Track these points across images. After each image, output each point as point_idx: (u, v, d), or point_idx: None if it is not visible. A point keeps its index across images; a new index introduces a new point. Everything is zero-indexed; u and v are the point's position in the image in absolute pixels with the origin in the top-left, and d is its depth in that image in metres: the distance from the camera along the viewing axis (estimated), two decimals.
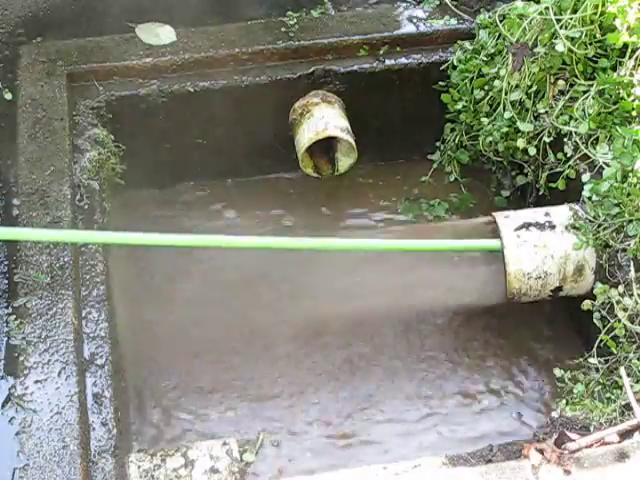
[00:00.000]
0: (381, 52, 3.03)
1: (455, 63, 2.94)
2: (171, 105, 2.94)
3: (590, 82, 2.68)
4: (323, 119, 2.92)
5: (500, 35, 2.85)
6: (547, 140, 2.73)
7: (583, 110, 2.65)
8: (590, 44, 2.67)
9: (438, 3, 3.10)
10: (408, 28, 3.05)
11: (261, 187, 3.18)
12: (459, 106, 2.93)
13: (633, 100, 2.58)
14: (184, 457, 2.18)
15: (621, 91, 2.59)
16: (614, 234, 2.47)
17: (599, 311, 2.45)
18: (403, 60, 3.03)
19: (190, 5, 3.10)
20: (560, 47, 2.65)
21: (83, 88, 2.89)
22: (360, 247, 2.62)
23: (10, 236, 2.39)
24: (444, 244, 2.64)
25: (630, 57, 2.61)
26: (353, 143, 2.94)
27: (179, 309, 2.73)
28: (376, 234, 3.00)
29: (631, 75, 2.59)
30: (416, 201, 3.13)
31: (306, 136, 2.94)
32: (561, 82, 2.74)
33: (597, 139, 2.61)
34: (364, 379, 2.72)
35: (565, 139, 2.69)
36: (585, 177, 2.59)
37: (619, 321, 2.37)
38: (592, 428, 2.16)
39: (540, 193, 2.83)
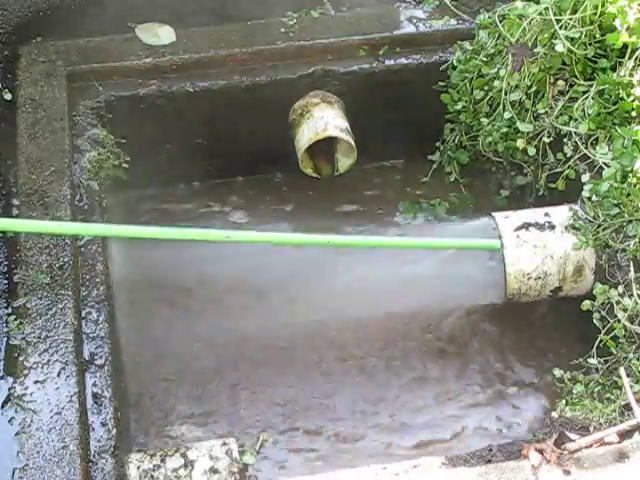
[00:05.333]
0: (381, 52, 3.03)
1: (455, 63, 2.94)
2: (171, 105, 2.94)
3: (590, 82, 2.68)
4: (323, 119, 2.92)
5: (500, 35, 2.85)
6: (547, 140, 2.73)
7: (583, 110, 2.65)
8: (590, 44, 2.67)
9: (438, 3, 3.10)
10: (408, 28, 3.05)
11: (261, 187, 3.18)
12: (459, 106, 2.93)
13: (633, 100, 2.58)
14: (184, 457, 2.18)
15: (621, 91, 2.59)
16: (614, 234, 2.47)
17: (599, 311, 2.45)
18: (403, 60, 3.03)
19: (190, 5, 3.10)
20: (560, 47, 2.65)
21: (83, 88, 2.89)
22: (359, 244, 2.62)
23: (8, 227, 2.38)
24: (444, 242, 2.65)
25: (630, 57, 2.61)
26: (353, 143, 2.94)
27: None
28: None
29: (631, 75, 2.59)
30: (416, 201, 3.13)
31: (306, 136, 2.94)
32: (561, 82, 2.74)
33: (597, 139, 2.61)
34: (366, 377, 2.73)
35: (565, 139, 2.69)
36: (585, 177, 2.59)
37: (619, 321, 2.37)
38: (592, 428, 2.16)
39: (540, 193, 2.83)
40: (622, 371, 2.27)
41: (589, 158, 2.60)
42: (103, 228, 2.52)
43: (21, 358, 2.21)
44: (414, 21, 3.07)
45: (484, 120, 2.86)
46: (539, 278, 2.58)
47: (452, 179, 3.11)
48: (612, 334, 2.38)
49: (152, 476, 2.15)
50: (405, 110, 3.10)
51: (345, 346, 2.79)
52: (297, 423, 2.61)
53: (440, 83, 2.99)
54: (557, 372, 2.54)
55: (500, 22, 2.84)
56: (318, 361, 2.75)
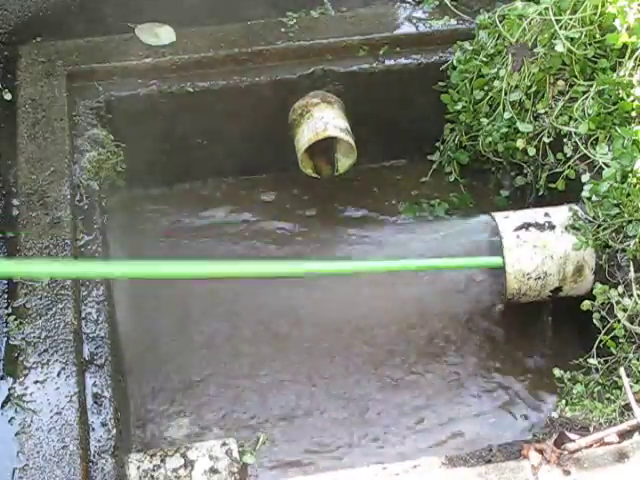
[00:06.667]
0: (381, 52, 3.03)
1: (455, 63, 2.94)
2: (171, 105, 2.94)
3: (590, 82, 2.68)
4: (323, 119, 2.92)
5: (500, 35, 2.85)
6: (547, 140, 2.73)
7: (583, 110, 2.65)
8: (589, 44, 2.68)
9: (438, 3, 3.10)
10: (408, 28, 3.05)
11: (261, 187, 3.18)
12: (459, 106, 2.93)
13: (633, 100, 2.58)
14: (184, 457, 2.18)
15: (620, 91, 2.59)
16: (614, 234, 2.47)
17: (599, 311, 2.45)
18: (403, 60, 3.03)
19: (190, 5, 3.10)
20: (560, 47, 2.65)
21: (83, 88, 2.89)
22: (358, 269, 2.61)
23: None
24: (444, 263, 2.64)
25: (629, 57, 2.61)
26: (353, 143, 2.94)
27: None
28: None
29: (630, 75, 2.60)
30: (416, 201, 3.13)
31: (306, 136, 2.94)
32: (561, 82, 2.74)
33: (597, 139, 2.62)
34: (365, 378, 2.73)
35: (565, 139, 2.69)
36: (585, 177, 2.59)
37: (619, 321, 2.37)
38: (592, 428, 2.16)
39: (540, 193, 2.83)
40: (622, 371, 2.27)
41: (589, 158, 2.61)
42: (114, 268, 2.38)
43: (21, 358, 2.21)
44: (414, 21, 3.07)
45: (484, 120, 2.86)
46: (539, 278, 2.58)
47: (452, 179, 3.11)
48: (612, 334, 2.38)
49: (152, 476, 2.15)
50: (405, 110, 3.10)
51: (342, 348, 2.79)
52: None
53: (440, 83, 2.99)
54: (557, 372, 2.54)
55: (500, 22, 2.84)
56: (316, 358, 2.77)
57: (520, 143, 2.77)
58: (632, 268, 2.40)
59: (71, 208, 2.52)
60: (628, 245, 2.42)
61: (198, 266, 2.29)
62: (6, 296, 2.34)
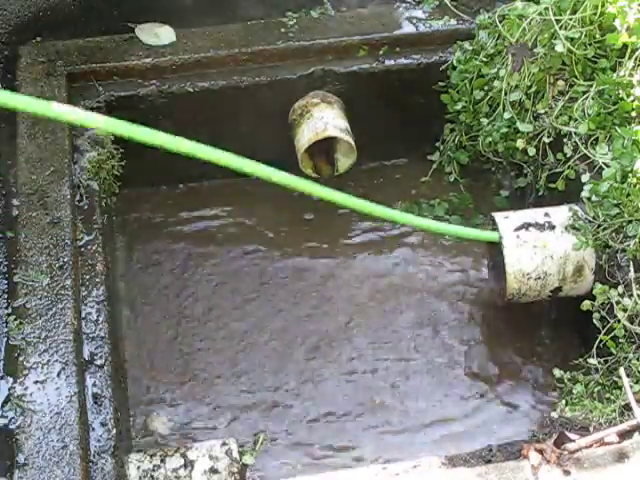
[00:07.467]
0: (381, 52, 3.03)
1: (455, 63, 2.94)
2: (171, 105, 2.94)
3: (590, 82, 2.68)
4: (323, 119, 2.92)
5: (500, 35, 2.85)
6: (547, 140, 2.73)
7: (583, 110, 2.65)
8: (590, 44, 2.68)
9: (438, 3, 3.10)
10: (408, 28, 3.05)
11: (260, 187, 3.17)
12: (459, 106, 2.93)
13: (633, 100, 2.58)
14: (184, 457, 2.18)
15: (620, 91, 2.59)
16: (614, 234, 2.47)
17: (599, 311, 2.45)
18: (403, 60, 3.03)
19: (190, 5, 3.10)
20: (560, 47, 2.65)
21: (83, 88, 2.89)
22: (361, 207, 2.57)
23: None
24: (444, 228, 2.71)
25: (630, 57, 2.61)
26: (353, 143, 2.94)
27: None
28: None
29: (630, 75, 2.59)
30: (416, 201, 3.12)
31: (306, 137, 2.93)
32: (561, 82, 2.74)
33: (597, 139, 2.61)
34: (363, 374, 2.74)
35: (565, 139, 2.69)
36: (585, 177, 2.59)
37: (619, 321, 2.37)
38: (592, 428, 2.16)
39: (540, 193, 2.83)
40: (622, 371, 2.27)
41: (589, 158, 2.60)
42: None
43: (21, 358, 2.22)
44: (414, 21, 3.07)
45: (484, 120, 2.86)
46: (539, 278, 2.58)
47: (452, 179, 3.11)
48: (612, 334, 2.39)
49: (152, 476, 2.15)
50: (405, 110, 3.10)
51: (342, 352, 2.80)
52: None
53: (440, 83, 2.99)
54: (557, 372, 2.54)
55: (500, 22, 2.84)
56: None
57: (520, 143, 2.77)
58: (632, 268, 2.40)
59: (71, 208, 2.53)
60: (628, 245, 2.42)
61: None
62: (6, 296, 2.35)
